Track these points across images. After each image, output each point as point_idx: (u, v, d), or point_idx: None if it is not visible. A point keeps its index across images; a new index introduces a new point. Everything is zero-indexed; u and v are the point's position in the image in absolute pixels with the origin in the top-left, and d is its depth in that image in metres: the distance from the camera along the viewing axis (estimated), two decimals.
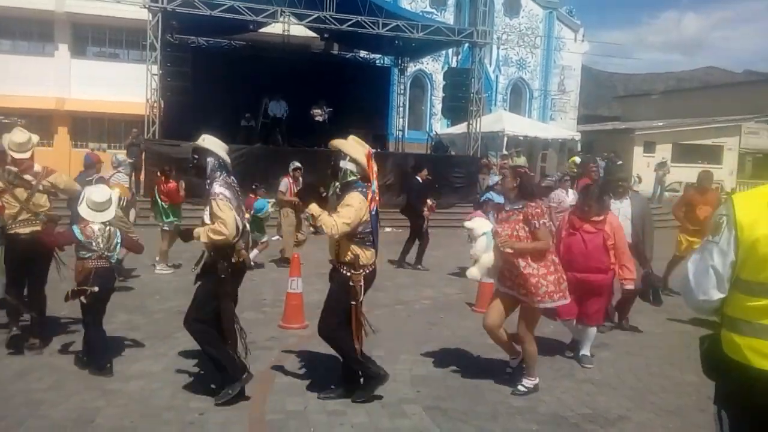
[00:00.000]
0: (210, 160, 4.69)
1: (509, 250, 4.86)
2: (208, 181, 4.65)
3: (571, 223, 5.91)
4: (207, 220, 4.60)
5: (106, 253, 5.33)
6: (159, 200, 9.73)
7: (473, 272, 5.39)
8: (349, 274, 4.59)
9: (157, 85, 17.39)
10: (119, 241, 5.48)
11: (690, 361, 6.15)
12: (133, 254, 6.60)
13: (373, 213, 4.61)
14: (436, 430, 4.41)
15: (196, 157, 4.76)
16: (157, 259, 9.71)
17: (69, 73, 25.07)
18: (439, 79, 27.52)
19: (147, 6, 17.07)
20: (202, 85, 18.19)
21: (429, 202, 11.29)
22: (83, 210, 5.33)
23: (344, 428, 4.39)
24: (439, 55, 29.68)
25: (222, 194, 4.53)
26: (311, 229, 6.38)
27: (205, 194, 4.67)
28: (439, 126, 29.35)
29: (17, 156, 5.74)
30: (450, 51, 27.37)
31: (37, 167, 5.89)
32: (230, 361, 4.67)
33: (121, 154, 10.00)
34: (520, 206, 4.99)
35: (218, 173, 4.67)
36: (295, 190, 9.35)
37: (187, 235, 4.85)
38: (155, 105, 17.56)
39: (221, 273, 4.60)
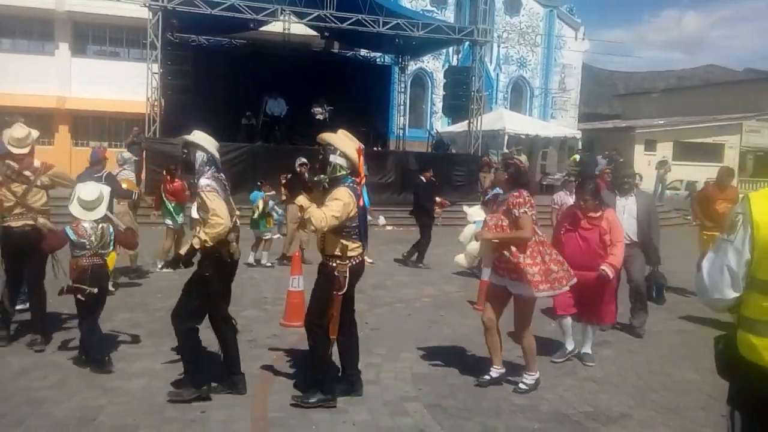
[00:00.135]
0: (199, 154, 4.67)
1: (488, 236, 4.94)
2: (197, 175, 4.65)
3: (571, 219, 5.91)
4: (194, 214, 4.61)
5: (99, 251, 5.36)
6: (166, 199, 9.76)
7: (460, 259, 5.40)
8: (334, 264, 4.58)
9: (157, 84, 17.40)
10: (112, 238, 5.49)
11: (691, 359, 6.18)
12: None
13: (361, 208, 4.61)
14: (437, 428, 4.41)
15: (185, 151, 4.76)
16: (160, 258, 9.73)
17: (70, 72, 25.06)
18: (439, 78, 27.50)
19: (147, 4, 17.06)
20: (202, 84, 18.20)
21: (438, 199, 11.35)
22: (74, 208, 5.36)
23: (346, 426, 4.40)
24: (439, 54, 29.66)
25: (209, 185, 4.52)
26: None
27: (193, 189, 4.67)
28: (440, 124, 29.34)
29: (16, 151, 5.78)
30: (450, 49, 27.39)
31: (36, 163, 5.92)
32: (196, 371, 4.70)
33: (127, 153, 10.02)
34: (515, 192, 5.01)
35: (207, 168, 4.65)
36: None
37: (186, 261, 4.72)
38: (156, 103, 17.57)
39: (205, 271, 4.60)
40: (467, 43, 21.68)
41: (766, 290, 2.30)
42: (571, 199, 9.91)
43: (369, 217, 11.24)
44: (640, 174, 25.48)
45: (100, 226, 5.38)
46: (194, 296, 4.68)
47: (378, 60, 25.26)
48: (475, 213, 5.18)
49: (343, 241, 4.57)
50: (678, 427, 4.61)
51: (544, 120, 31.36)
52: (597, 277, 5.59)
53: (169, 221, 9.76)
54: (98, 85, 23.96)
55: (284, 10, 18.55)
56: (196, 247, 4.49)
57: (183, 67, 17.49)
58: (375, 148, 20.62)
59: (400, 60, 24.75)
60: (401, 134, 25.03)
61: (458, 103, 20.65)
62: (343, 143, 4.67)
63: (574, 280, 5.11)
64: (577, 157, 22.59)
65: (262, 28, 21.54)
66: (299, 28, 22.73)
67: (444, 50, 28.14)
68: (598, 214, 5.79)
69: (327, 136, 4.72)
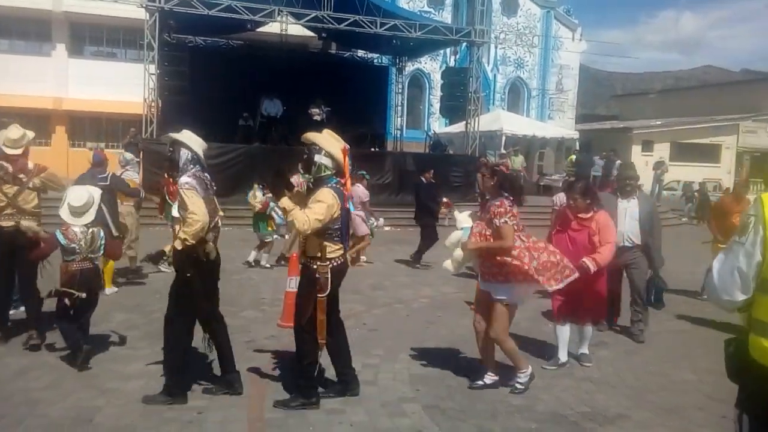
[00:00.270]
0: (183, 152, 4.67)
1: (470, 247, 4.95)
2: (180, 173, 4.63)
3: (562, 219, 5.87)
4: (175, 213, 4.60)
5: (89, 255, 5.37)
6: (168, 201, 9.74)
7: (448, 265, 5.38)
8: (315, 266, 4.55)
9: (154, 85, 17.40)
10: (103, 242, 5.48)
11: (688, 359, 6.20)
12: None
13: (344, 209, 4.59)
14: (435, 429, 4.41)
15: (171, 149, 4.76)
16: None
17: (66, 73, 25.05)
18: (437, 79, 27.52)
19: (144, 5, 17.04)
20: (199, 85, 18.17)
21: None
22: (64, 213, 5.38)
23: (343, 427, 4.39)
24: (437, 55, 29.71)
25: (188, 183, 4.51)
26: None
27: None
28: (437, 125, 29.38)
29: (10, 152, 5.81)
30: (448, 50, 27.40)
31: (29, 164, 5.95)
32: (178, 378, 4.69)
33: (128, 154, 10.00)
34: (497, 201, 4.98)
35: (190, 166, 4.65)
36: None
37: (156, 257, 4.75)
38: (153, 104, 17.56)
39: (186, 272, 4.58)
40: (464, 44, 21.67)
41: None
42: None
43: (372, 220, 11.30)
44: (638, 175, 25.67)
45: (90, 230, 5.39)
46: (178, 298, 4.68)
47: (375, 61, 25.27)
48: (464, 219, 5.15)
49: (324, 243, 4.53)
50: (675, 427, 4.61)
51: (541, 121, 31.43)
52: (585, 277, 5.40)
53: (171, 223, 9.73)
54: (95, 86, 23.96)
55: (281, 11, 18.56)
56: (179, 248, 4.47)
57: (180, 67, 17.46)
58: (372, 149, 20.62)
59: (397, 61, 24.76)
60: (399, 135, 25.05)
61: (455, 104, 20.66)
62: (329, 143, 4.63)
63: (577, 274, 5.10)
64: (574, 157, 22.63)
65: (260, 29, 21.53)
66: (296, 29, 22.71)
67: (441, 51, 28.16)
68: (588, 215, 5.71)
69: (312, 136, 4.68)
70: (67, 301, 5.24)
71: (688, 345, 6.73)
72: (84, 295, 5.27)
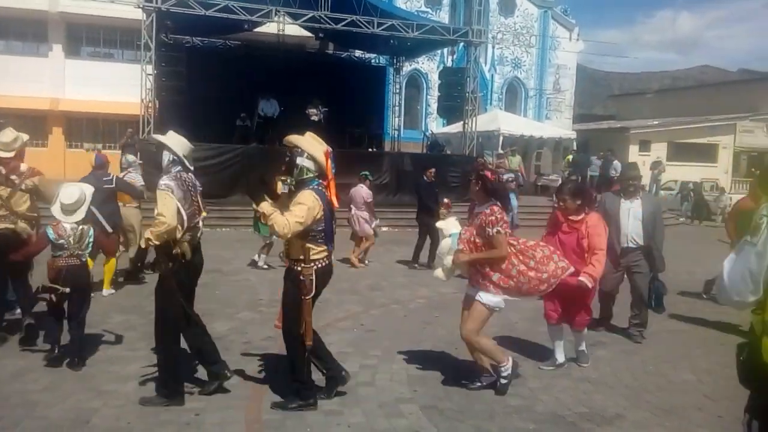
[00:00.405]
0: (166, 154, 4.68)
1: (464, 260, 4.88)
2: (162, 174, 4.64)
3: (553, 221, 5.79)
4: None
5: (77, 252, 5.39)
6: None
7: (438, 273, 5.35)
8: (299, 268, 4.52)
9: (151, 85, 17.35)
10: (91, 240, 5.49)
11: (687, 359, 6.20)
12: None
13: (328, 211, 4.56)
14: (433, 430, 4.41)
15: (155, 150, 4.78)
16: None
17: (63, 74, 25.01)
18: (434, 79, 27.54)
19: (141, 6, 17.00)
20: (197, 85, 18.13)
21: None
22: (55, 210, 5.41)
23: (341, 428, 4.39)
24: (434, 55, 29.70)
25: (165, 184, 4.50)
26: None
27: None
28: (435, 125, 29.38)
29: (2, 155, 5.86)
30: (445, 50, 27.35)
31: (23, 167, 5.97)
32: (173, 381, 4.67)
33: (131, 155, 9.96)
34: (486, 209, 4.91)
35: (172, 168, 4.65)
36: None
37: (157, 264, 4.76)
38: (150, 105, 17.53)
39: (160, 270, 4.61)
40: (462, 44, 21.67)
41: None
42: None
43: (375, 221, 11.26)
44: None
45: (80, 227, 5.41)
46: (159, 296, 4.69)
47: (373, 61, 25.26)
48: (451, 225, 5.09)
49: (307, 245, 4.50)
50: (673, 427, 4.61)
51: (538, 121, 31.45)
52: (574, 285, 5.37)
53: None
54: (92, 87, 23.93)
55: (278, 11, 18.53)
56: (143, 246, 4.52)
57: (177, 68, 17.42)
58: (370, 150, 20.62)
59: (394, 61, 24.75)
60: (396, 135, 25.03)
61: (453, 104, 20.65)
62: (311, 146, 4.62)
63: (572, 269, 5.07)
64: (571, 157, 22.66)
65: (257, 30, 21.52)
66: (294, 29, 22.69)
67: (439, 51, 28.13)
68: (579, 218, 5.59)
69: (294, 139, 4.66)
70: (52, 296, 5.27)
71: (687, 345, 6.74)
72: (68, 290, 5.28)
